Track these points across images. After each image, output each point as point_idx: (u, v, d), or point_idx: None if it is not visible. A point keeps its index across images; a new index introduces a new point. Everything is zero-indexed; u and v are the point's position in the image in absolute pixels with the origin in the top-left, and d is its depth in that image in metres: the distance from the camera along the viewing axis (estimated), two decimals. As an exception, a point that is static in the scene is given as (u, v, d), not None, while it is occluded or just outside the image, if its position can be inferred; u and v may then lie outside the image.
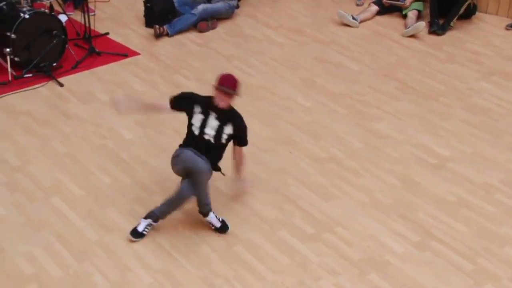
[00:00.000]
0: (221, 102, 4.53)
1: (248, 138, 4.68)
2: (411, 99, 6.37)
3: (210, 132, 4.55)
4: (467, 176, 5.30)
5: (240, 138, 4.66)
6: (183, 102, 4.64)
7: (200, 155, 4.50)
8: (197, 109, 4.57)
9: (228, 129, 4.57)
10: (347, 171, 5.34)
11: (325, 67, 6.88)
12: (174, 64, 6.79)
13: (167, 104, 4.67)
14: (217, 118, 4.55)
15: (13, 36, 6.14)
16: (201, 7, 7.46)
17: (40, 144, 5.47)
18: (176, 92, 4.78)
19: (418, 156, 5.55)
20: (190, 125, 4.61)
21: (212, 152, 4.58)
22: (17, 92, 6.11)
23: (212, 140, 4.56)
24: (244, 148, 4.71)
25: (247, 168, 5.06)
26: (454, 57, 7.12)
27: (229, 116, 4.58)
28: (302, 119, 5.99)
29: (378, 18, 7.90)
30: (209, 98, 4.59)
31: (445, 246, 4.62)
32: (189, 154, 4.52)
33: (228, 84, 4.52)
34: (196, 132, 4.56)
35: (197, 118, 4.56)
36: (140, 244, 4.52)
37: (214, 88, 4.53)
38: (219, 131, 4.55)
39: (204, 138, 4.56)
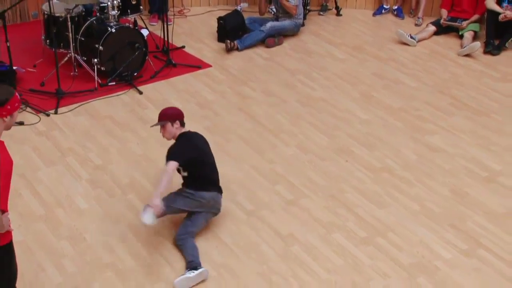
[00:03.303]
0: (163, 136, 4.54)
1: (175, 153, 4.35)
2: (464, 115, 6.25)
3: None
4: (517, 190, 5.17)
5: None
6: None
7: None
8: None
9: None
10: (400, 181, 5.29)
11: (383, 83, 6.83)
12: (242, 77, 6.88)
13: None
14: None
15: (100, 48, 6.36)
16: (269, 24, 7.53)
17: (119, 146, 5.65)
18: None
19: (470, 169, 5.44)
20: None
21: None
22: (102, 98, 6.32)
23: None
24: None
25: (300, 175, 5.06)
26: (508, 76, 6.94)
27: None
28: (360, 130, 5.96)
29: (436, 37, 7.79)
30: None
31: (493, 255, 4.52)
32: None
33: (159, 117, 4.47)
34: None
35: None
36: (204, 240, 4.60)
37: None
38: None
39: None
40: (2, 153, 3.19)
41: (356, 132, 5.94)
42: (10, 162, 3.22)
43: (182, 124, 4.56)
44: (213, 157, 4.60)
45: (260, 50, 7.43)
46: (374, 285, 4.27)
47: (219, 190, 4.61)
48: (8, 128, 3.31)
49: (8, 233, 3.42)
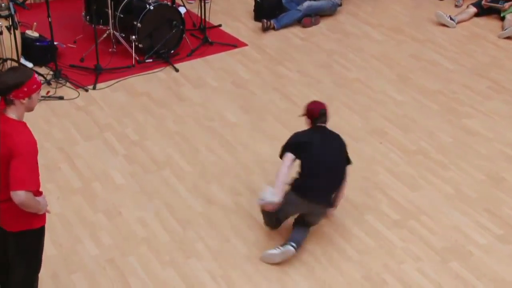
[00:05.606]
0: None
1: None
2: (503, 99, 6.08)
3: None
4: (555, 177, 5.02)
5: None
6: None
7: None
8: None
9: None
10: (435, 163, 5.19)
11: (420, 64, 6.69)
12: (278, 56, 6.82)
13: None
14: None
15: (138, 25, 6.36)
16: (306, 4, 7.43)
17: (156, 122, 5.66)
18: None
19: (507, 154, 5.30)
20: None
21: None
22: (139, 75, 6.34)
23: None
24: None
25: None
26: (550, 60, 6.73)
27: None
28: (394, 112, 5.86)
29: (476, 19, 7.58)
30: None
31: (528, 242, 4.42)
32: None
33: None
34: None
35: None
36: (237, 219, 4.59)
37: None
38: None
39: None
40: (22, 134, 3.08)
41: (391, 113, 5.84)
42: (32, 143, 3.09)
43: (313, 121, 4.49)
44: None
45: (297, 30, 7.34)
46: (406, 268, 4.22)
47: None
48: (29, 109, 3.17)
49: (43, 216, 3.29)
